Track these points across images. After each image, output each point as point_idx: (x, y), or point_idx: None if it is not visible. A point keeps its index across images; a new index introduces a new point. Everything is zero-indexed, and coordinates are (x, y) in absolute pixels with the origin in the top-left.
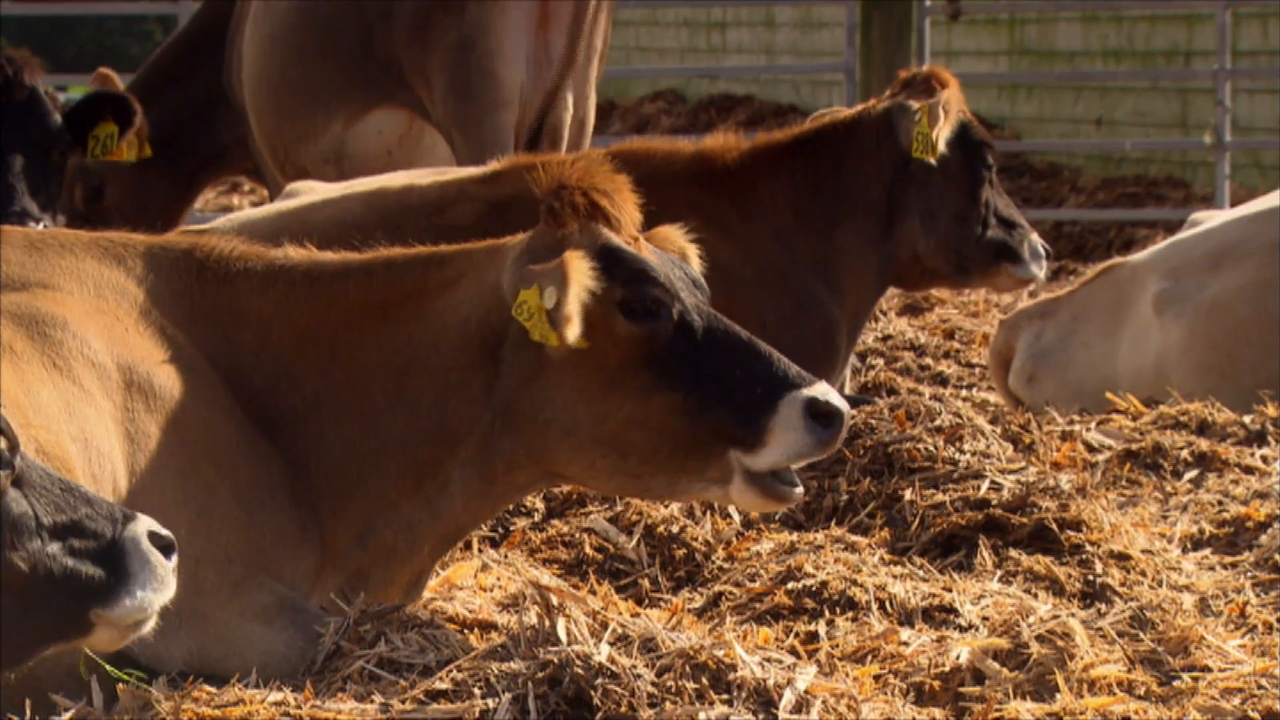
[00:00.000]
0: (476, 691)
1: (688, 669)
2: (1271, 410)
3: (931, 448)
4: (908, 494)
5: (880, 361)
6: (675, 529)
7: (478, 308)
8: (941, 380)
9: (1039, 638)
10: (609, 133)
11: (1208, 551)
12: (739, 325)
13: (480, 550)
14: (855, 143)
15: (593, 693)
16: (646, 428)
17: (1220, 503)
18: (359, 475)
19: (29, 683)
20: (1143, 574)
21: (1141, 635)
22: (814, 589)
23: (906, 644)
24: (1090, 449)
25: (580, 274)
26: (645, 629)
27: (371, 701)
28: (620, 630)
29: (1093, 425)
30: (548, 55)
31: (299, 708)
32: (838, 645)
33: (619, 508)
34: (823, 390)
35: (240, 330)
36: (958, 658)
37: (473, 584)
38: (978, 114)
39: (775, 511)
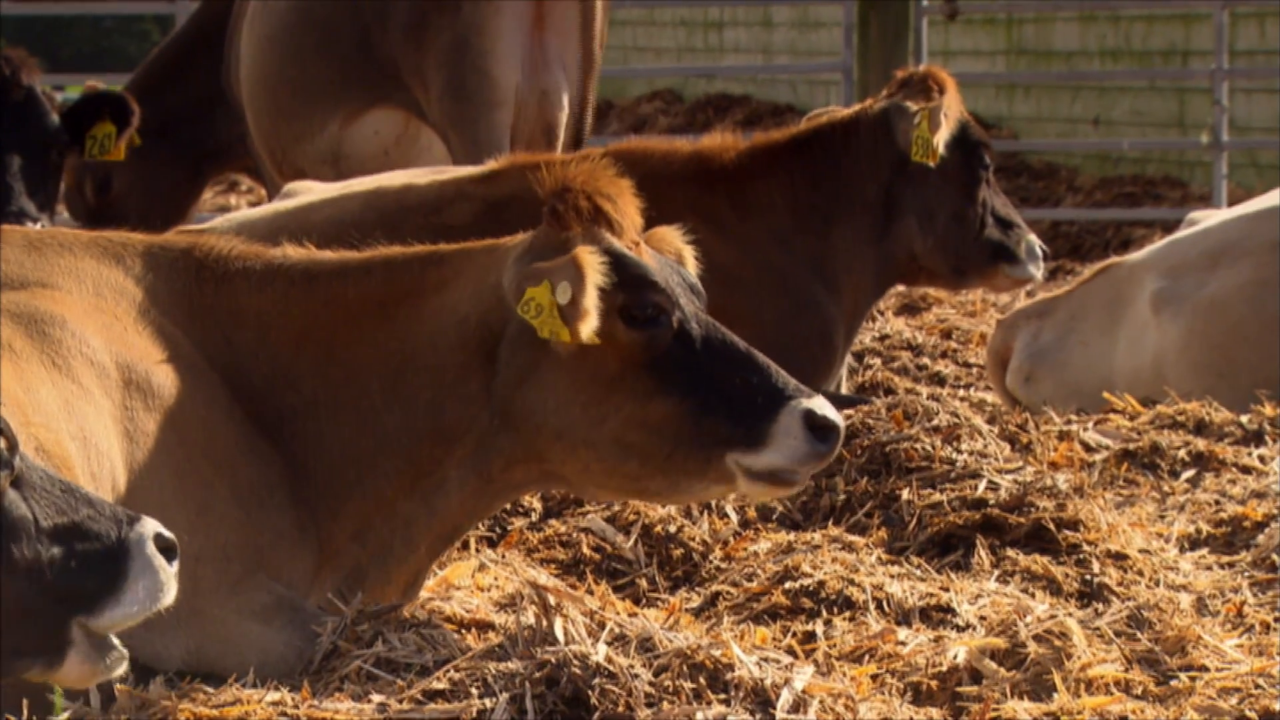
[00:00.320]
0: (474, 691)
1: (685, 669)
2: (1269, 410)
3: (929, 447)
4: (905, 494)
5: (877, 361)
6: (672, 529)
7: (476, 307)
8: (939, 380)
9: (1036, 637)
10: (606, 132)
11: (1205, 551)
12: (737, 324)
13: (478, 550)
14: (852, 142)
15: (590, 692)
16: (646, 430)
17: (1217, 502)
18: (356, 474)
19: (27, 683)
20: (1140, 573)
21: (1139, 635)
22: (811, 589)
23: (904, 644)
24: (1087, 449)
25: (595, 269)
26: (642, 629)
27: (369, 701)
28: (617, 630)
29: (1090, 425)
30: (543, 55)
31: (296, 707)
32: (835, 645)
33: (616, 508)
34: (820, 404)
35: (239, 329)
36: (955, 657)
37: (470, 584)
38: (975, 114)
39: (783, 497)
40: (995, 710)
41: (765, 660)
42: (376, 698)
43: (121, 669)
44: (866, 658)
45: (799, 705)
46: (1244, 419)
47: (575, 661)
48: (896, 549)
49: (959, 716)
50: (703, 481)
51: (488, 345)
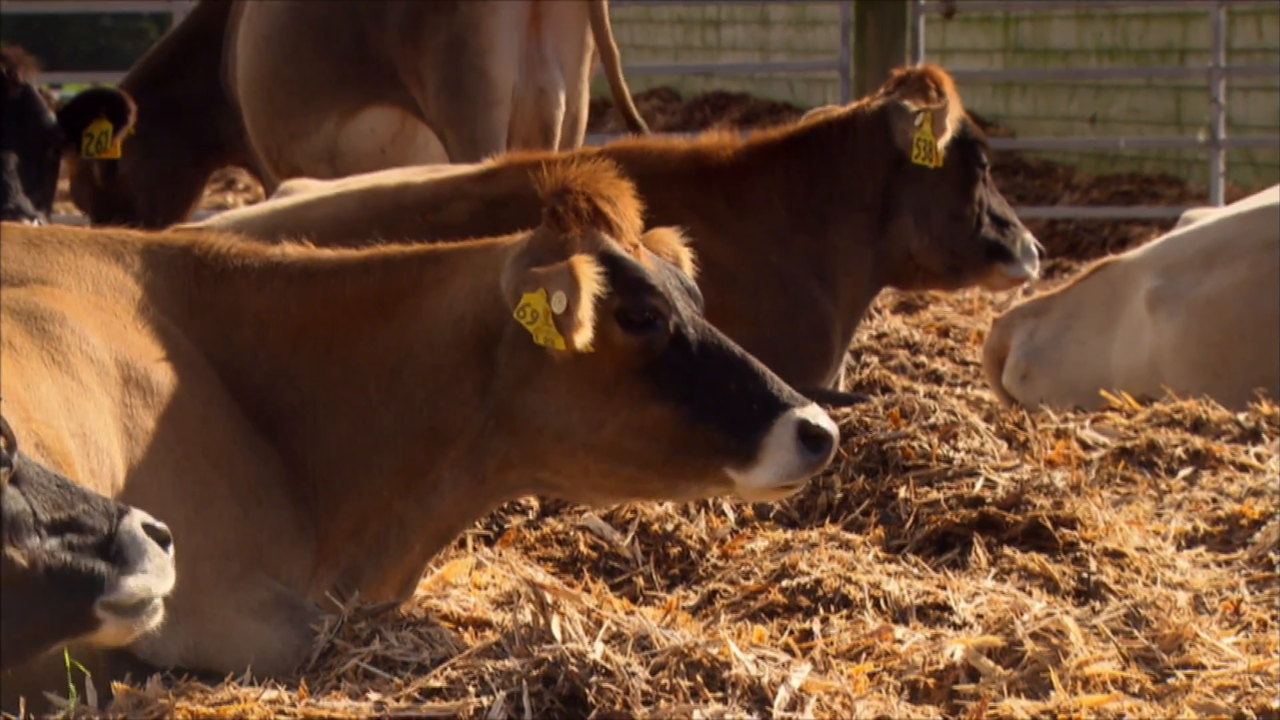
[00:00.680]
0: (471, 689)
1: (682, 667)
2: (1266, 408)
3: (926, 445)
4: (902, 492)
5: (875, 359)
6: (670, 527)
7: (473, 306)
8: (936, 378)
9: (1033, 635)
10: (603, 130)
11: (1202, 549)
12: (734, 323)
13: (475, 548)
14: (849, 141)
15: (587, 691)
16: (642, 435)
17: (1214, 500)
18: (353, 472)
19: (25, 682)
20: (1137, 571)
21: (1136, 633)
22: (808, 587)
23: (901, 642)
24: (1084, 447)
25: (591, 279)
26: (640, 627)
27: (366, 699)
28: (615, 628)
29: (1087, 423)
30: (540, 54)
31: (293, 706)
32: (832, 643)
33: (613, 506)
34: (814, 413)
35: (238, 327)
36: (952, 655)
37: (467, 582)
38: (972, 112)
39: (782, 499)
40: (992, 708)
41: (762, 658)
42: (373, 696)
43: (157, 619)
44: (863, 656)
45: (796, 703)
46: (1241, 417)
47: (572, 660)
48: (893, 547)
49: (956, 714)
50: (700, 484)
51: (484, 345)
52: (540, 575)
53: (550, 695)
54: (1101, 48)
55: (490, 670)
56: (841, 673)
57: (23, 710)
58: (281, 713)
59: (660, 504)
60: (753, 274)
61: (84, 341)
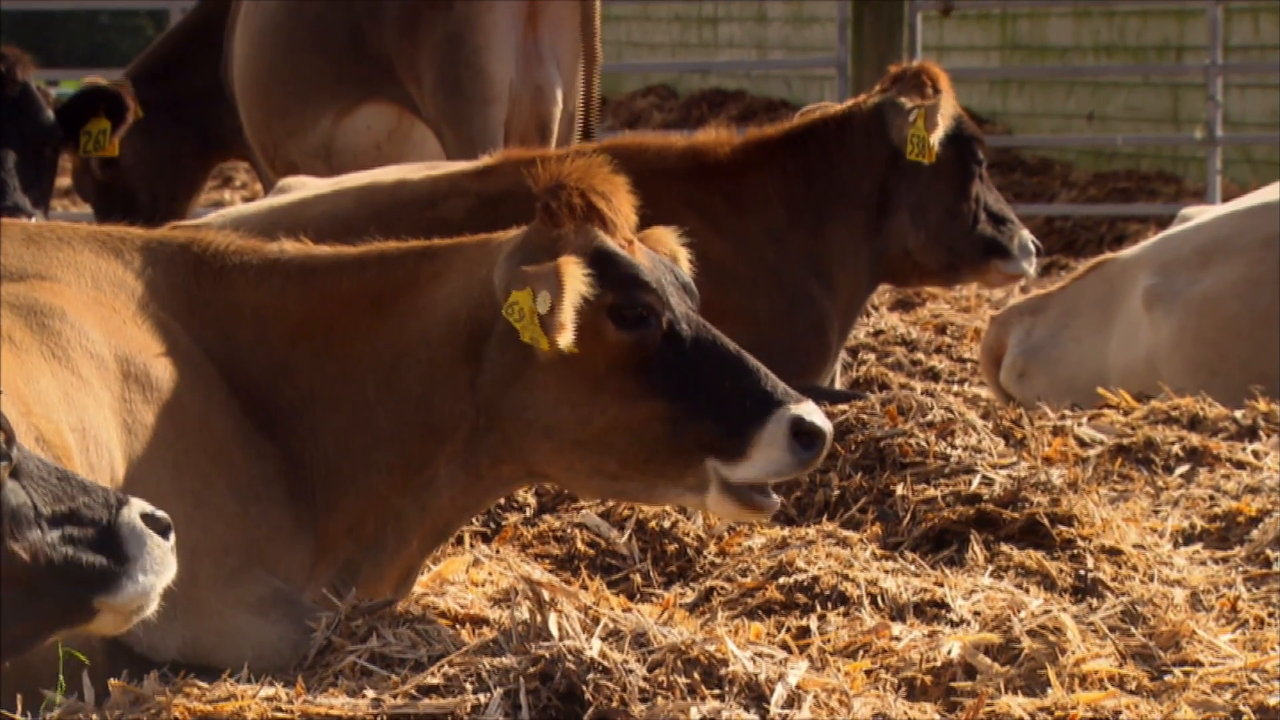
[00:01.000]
0: (468, 686)
1: (679, 664)
2: (1262, 405)
3: (923, 443)
4: (899, 489)
5: (872, 356)
6: (667, 524)
7: (467, 301)
8: (933, 375)
9: (1030, 632)
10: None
11: (1199, 546)
12: (731, 320)
13: (472, 545)
14: (846, 138)
15: (584, 688)
16: (629, 432)
17: (1212, 498)
18: (351, 469)
19: (22, 677)
20: (1134, 569)
21: (1133, 630)
22: (805, 584)
23: (898, 639)
24: (1082, 444)
25: (575, 281)
26: (637, 624)
27: (363, 697)
28: (612, 625)
29: (1084, 420)
30: (537, 51)
31: (291, 703)
32: (829, 640)
33: (611, 503)
34: (808, 409)
35: (237, 324)
36: (949, 653)
37: (464, 579)
38: (969, 109)
39: (749, 522)
40: (989, 705)
41: (759, 655)
42: (371, 693)
43: (153, 607)
44: (861, 653)
45: (793, 700)
46: (1238, 414)
47: (569, 657)
48: (891, 544)
49: (953, 711)
50: (677, 487)
51: (476, 340)
52: (537, 572)
53: (547, 692)
54: (1099, 45)
55: (487, 667)
56: (839, 670)
57: (20, 706)
58: (279, 710)
59: (637, 506)
60: (750, 271)
61: (84, 337)
